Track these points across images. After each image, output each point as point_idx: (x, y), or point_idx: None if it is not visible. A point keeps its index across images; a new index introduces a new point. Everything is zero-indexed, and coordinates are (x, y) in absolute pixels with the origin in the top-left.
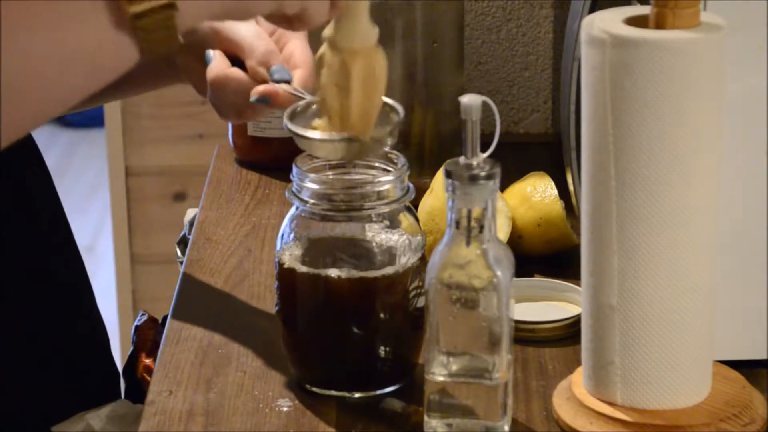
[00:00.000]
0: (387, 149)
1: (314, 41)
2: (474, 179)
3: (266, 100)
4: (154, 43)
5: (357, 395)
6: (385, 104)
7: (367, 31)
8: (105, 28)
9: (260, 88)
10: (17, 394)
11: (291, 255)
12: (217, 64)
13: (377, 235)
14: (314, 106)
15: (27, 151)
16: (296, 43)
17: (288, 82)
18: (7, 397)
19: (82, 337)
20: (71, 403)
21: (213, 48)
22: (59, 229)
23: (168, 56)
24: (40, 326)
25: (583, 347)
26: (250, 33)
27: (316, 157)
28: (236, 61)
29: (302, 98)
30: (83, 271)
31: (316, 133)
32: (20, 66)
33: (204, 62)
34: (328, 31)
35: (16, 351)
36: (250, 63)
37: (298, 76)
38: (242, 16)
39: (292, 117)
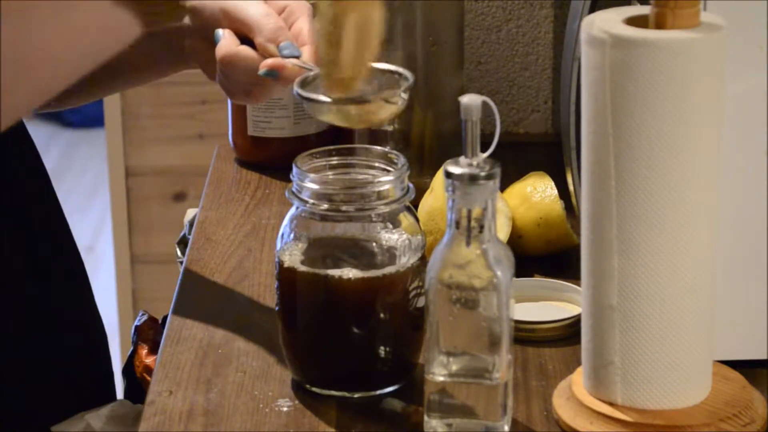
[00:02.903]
0: (391, 142)
1: None
2: (474, 179)
3: (274, 73)
4: (158, 15)
5: (357, 395)
6: (394, 71)
7: None
8: (110, 6)
9: (269, 62)
10: (17, 394)
11: (291, 255)
12: (226, 42)
13: (377, 235)
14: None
15: (24, 152)
16: (304, 22)
17: (297, 58)
18: (7, 397)
19: (81, 338)
20: (70, 403)
21: (221, 28)
22: (58, 230)
23: (171, 25)
24: (39, 326)
25: (583, 347)
26: (258, 11)
27: (317, 154)
28: (245, 40)
29: (311, 71)
30: (83, 271)
31: (326, 96)
32: (28, 45)
33: (212, 45)
34: None
35: (16, 351)
36: (259, 40)
37: (307, 52)
38: None
39: (302, 87)
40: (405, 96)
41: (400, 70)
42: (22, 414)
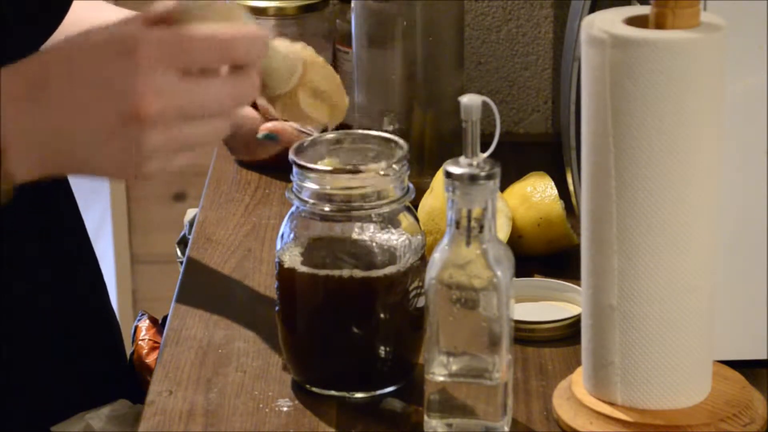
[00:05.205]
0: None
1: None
2: (474, 179)
3: (274, 137)
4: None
5: (357, 395)
6: (389, 140)
7: (287, 73)
8: None
9: (268, 125)
10: (18, 394)
11: (291, 255)
12: None
13: (377, 235)
14: (321, 144)
15: None
16: None
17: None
18: (7, 397)
19: (90, 338)
20: (75, 402)
21: None
22: (75, 232)
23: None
24: (48, 326)
25: (583, 347)
26: None
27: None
28: None
29: (309, 135)
30: (98, 270)
31: (324, 166)
32: None
33: None
34: (262, 96)
35: (21, 351)
36: (260, 101)
37: None
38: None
39: (298, 152)
40: (397, 168)
41: (395, 138)
42: (23, 413)
